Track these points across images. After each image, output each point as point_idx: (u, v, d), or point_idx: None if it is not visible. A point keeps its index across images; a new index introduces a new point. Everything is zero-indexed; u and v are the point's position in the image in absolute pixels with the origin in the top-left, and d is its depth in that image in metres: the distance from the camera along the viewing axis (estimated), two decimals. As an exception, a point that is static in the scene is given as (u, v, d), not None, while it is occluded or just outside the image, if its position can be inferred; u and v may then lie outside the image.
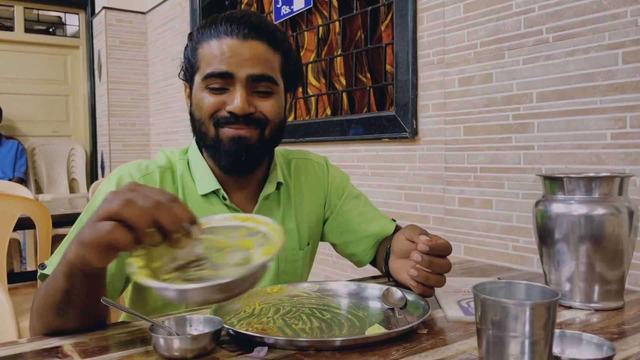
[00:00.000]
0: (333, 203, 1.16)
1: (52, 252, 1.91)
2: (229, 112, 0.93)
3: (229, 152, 0.95)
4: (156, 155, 1.06)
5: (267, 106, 0.95)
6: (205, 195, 1.00)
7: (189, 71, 1.00)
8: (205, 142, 0.98)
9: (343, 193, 1.17)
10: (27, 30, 4.88)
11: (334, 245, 1.20)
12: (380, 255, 1.12)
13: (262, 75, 0.94)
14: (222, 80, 0.93)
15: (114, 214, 0.62)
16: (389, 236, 1.13)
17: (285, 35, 1.00)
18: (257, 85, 0.94)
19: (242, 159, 0.95)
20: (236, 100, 0.92)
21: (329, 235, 1.17)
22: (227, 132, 0.94)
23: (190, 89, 1.00)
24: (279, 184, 1.07)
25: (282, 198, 1.08)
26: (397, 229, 1.15)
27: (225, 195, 1.00)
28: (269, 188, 1.04)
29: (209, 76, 0.93)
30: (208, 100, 0.94)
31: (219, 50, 0.93)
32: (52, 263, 0.88)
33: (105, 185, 0.98)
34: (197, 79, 0.96)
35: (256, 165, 1.01)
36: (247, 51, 0.93)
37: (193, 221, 0.65)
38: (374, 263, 1.19)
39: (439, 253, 0.84)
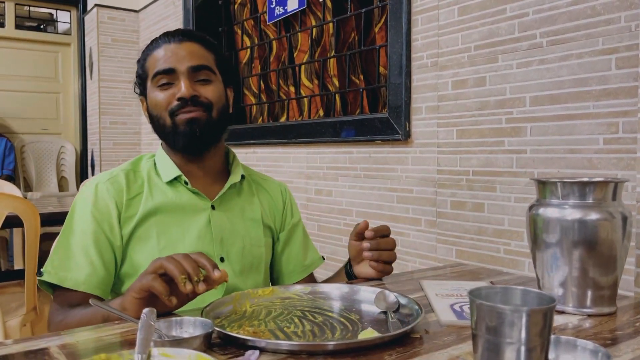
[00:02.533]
0: (287, 220, 1.27)
1: (40, 251, 1.89)
2: (178, 99, 1.06)
3: (184, 133, 1.07)
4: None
5: (208, 91, 1.09)
6: (170, 183, 1.11)
7: (142, 85, 1.14)
8: (165, 132, 1.10)
9: (297, 214, 1.30)
10: (18, 26, 4.83)
11: (274, 253, 1.27)
12: (340, 275, 1.22)
13: (200, 65, 1.09)
14: (168, 76, 1.08)
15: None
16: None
17: (214, 41, 1.17)
18: (197, 74, 1.09)
19: (197, 137, 1.07)
20: (182, 88, 1.06)
21: (276, 244, 1.26)
22: (181, 117, 1.07)
23: (146, 100, 1.13)
24: (242, 177, 1.18)
25: (245, 191, 1.20)
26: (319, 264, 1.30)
27: (187, 180, 1.11)
28: (235, 178, 1.16)
29: (156, 74, 1.08)
30: (160, 96, 1.08)
31: (161, 54, 1.09)
32: (48, 271, 1.01)
33: (82, 197, 1.08)
34: (149, 84, 1.11)
35: (209, 143, 1.12)
36: (184, 50, 1.09)
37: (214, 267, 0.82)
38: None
39: (383, 234, 1.09)
